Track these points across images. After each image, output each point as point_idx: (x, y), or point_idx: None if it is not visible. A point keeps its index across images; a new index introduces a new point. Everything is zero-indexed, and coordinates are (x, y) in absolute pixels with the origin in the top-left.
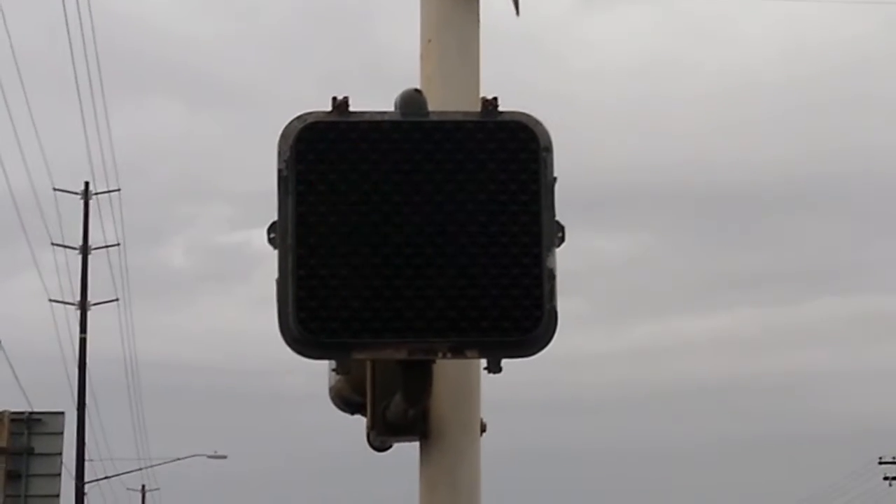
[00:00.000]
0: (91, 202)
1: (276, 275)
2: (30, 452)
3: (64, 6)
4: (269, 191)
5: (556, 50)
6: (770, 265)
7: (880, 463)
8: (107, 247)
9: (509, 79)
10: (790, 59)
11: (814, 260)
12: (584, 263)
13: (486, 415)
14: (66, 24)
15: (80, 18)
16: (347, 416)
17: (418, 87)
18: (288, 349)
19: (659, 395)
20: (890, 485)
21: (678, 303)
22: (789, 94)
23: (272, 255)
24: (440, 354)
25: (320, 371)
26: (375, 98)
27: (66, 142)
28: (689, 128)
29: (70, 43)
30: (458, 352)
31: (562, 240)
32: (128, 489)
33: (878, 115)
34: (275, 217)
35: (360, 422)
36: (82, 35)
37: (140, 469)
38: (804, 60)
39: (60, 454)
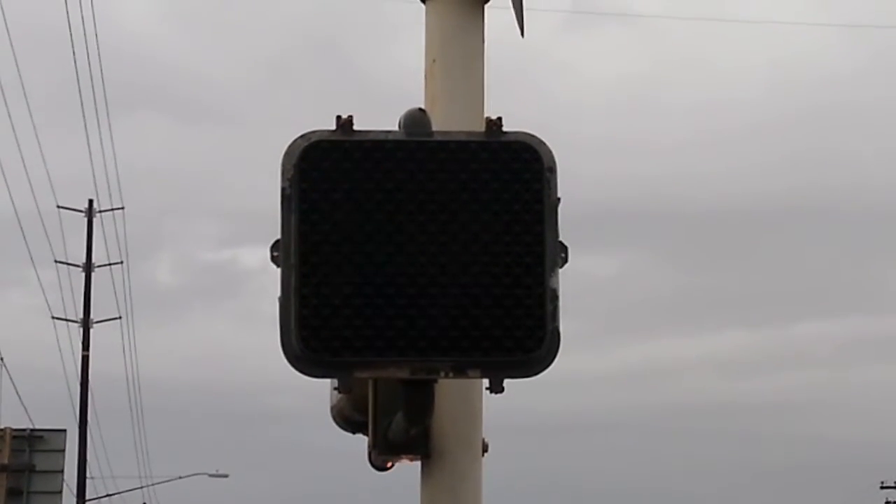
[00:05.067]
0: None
1: (276, 292)
2: (31, 469)
3: (69, 26)
4: (256, 209)
5: (536, 72)
6: (762, 285)
7: (882, 487)
8: (110, 265)
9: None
10: (779, 79)
11: (807, 280)
12: (573, 284)
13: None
14: (72, 40)
15: (85, 38)
16: (349, 434)
17: (422, 106)
18: (290, 367)
19: (649, 417)
20: None
21: (668, 324)
22: (778, 116)
23: (266, 271)
24: (442, 374)
25: (321, 390)
26: (376, 118)
27: (65, 160)
28: (678, 147)
29: (75, 59)
30: (460, 371)
31: (565, 260)
32: None
33: (870, 136)
34: (268, 234)
35: (361, 441)
36: (87, 54)
37: (141, 487)
38: (792, 81)
39: (62, 471)
